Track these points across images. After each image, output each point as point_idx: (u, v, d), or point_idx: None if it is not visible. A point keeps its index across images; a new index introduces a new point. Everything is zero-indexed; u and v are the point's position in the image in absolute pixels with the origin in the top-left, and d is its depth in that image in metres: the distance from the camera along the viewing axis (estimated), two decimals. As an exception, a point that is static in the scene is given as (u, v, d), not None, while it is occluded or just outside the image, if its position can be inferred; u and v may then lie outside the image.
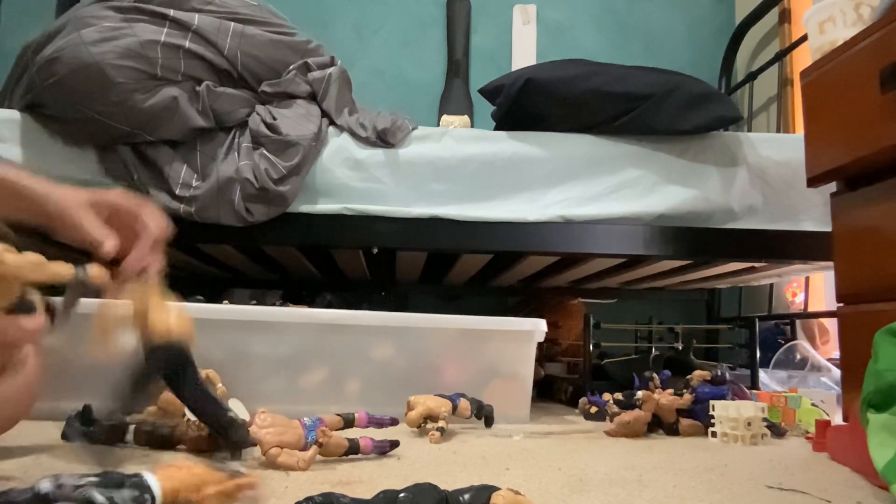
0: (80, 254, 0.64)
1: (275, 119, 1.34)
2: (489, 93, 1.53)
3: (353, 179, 1.36)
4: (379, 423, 0.92)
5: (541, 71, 1.46)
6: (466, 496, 0.52)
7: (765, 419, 1.07)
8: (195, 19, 1.32)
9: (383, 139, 1.37)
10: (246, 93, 1.38)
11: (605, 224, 1.39)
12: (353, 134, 1.39)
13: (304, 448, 0.77)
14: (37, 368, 0.74)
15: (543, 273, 1.89)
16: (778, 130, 2.08)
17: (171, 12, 1.31)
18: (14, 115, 1.32)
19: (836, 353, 1.74)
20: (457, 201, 1.38)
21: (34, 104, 1.30)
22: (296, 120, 1.34)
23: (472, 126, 2.05)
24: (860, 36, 0.99)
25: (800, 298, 2.00)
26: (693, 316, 2.32)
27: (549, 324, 1.29)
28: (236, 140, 1.34)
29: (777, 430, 1.12)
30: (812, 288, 1.94)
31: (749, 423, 1.03)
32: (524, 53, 2.47)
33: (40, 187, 0.66)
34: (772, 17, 2.21)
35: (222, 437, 0.73)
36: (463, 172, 1.38)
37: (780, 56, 2.09)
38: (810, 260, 1.46)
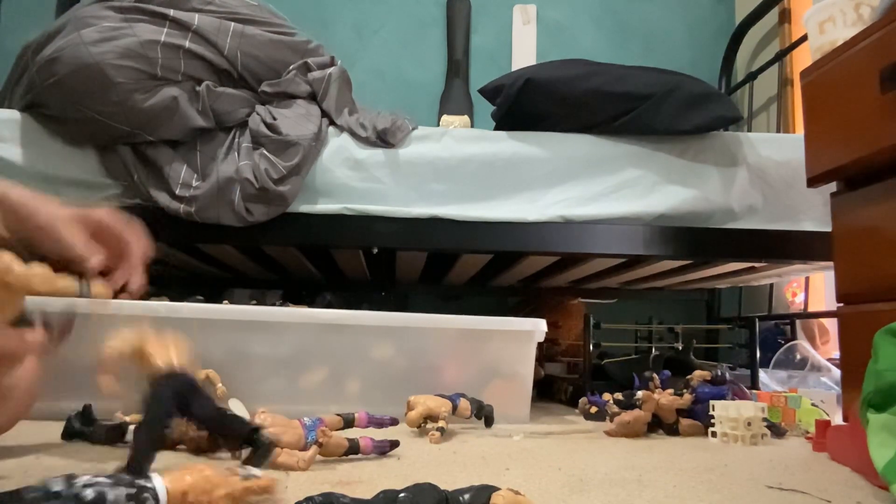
0: (63, 268, 0.64)
1: (275, 119, 1.34)
2: (489, 93, 1.53)
3: (353, 179, 1.36)
4: (379, 423, 0.92)
5: (541, 71, 1.46)
6: (466, 496, 0.52)
7: (765, 419, 1.07)
8: (195, 19, 1.32)
9: (383, 139, 1.37)
10: (246, 93, 1.38)
11: (605, 224, 1.39)
12: (353, 134, 1.39)
13: (304, 448, 0.77)
14: (37, 368, 0.74)
15: (543, 273, 1.89)
16: (778, 130, 2.07)
17: (171, 12, 1.31)
18: (14, 115, 1.32)
19: (836, 353, 1.74)
20: (457, 201, 1.38)
21: (34, 104, 1.30)
22: (296, 120, 1.34)
23: (472, 126, 2.06)
24: (860, 36, 0.99)
25: (800, 298, 2.00)
26: (693, 316, 2.32)
27: (549, 324, 1.29)
28: (236, 140, 1.34)
29: (777, 430, 1.12)
30: (812, 288, 1.95)
31: (749, 424, 1.03)
32: (524, 53, 2.48)
33: (29, 200, 0.66)
34: (772, 17, 2.21)
35: (252, 450, 0.71)
36: (463, 172, 1.38)
37: (780, 56, 2.09)
38: (810, 260, 1.46)
